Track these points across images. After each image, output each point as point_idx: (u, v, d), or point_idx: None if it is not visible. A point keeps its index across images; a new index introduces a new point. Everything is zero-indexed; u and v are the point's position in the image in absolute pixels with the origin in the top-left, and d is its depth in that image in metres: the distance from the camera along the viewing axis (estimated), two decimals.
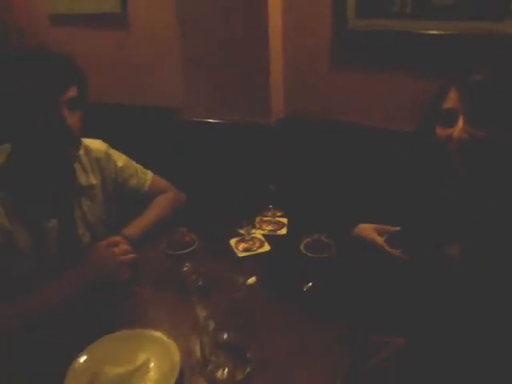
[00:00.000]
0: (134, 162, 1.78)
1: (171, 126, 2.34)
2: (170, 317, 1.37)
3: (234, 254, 1.65)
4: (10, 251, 1.38)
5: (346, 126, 2.12)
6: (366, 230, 1.55)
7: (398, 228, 1.50)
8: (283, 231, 1.79)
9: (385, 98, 2.03)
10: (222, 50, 2.14)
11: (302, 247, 1.49)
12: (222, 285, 1.24)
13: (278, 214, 1.87)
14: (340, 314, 1.34)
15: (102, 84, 2.24)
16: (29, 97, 1.31)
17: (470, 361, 1.21)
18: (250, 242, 1.69)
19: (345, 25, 1.99)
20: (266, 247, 1.68)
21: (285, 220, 1.85)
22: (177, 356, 1.16)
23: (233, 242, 1.70)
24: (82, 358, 1.16)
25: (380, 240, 1.49)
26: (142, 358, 1.16)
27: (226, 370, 1.12)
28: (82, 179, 1.57)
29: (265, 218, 1.84)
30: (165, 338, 1.22)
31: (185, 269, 1.49)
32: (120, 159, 1.72)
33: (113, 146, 1.74)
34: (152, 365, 1.16)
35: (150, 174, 1.81)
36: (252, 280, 1.46)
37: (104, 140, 1.73)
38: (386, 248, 1.47)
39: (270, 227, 1.80)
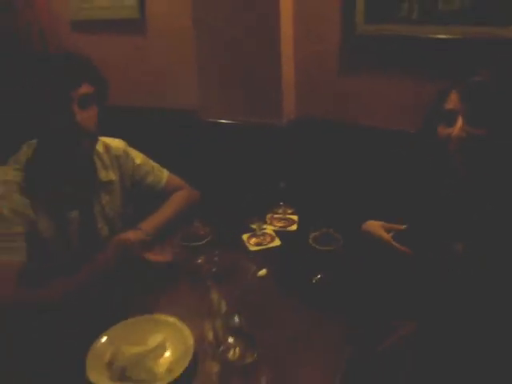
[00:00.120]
0: (151, 161, 1.85)
1: (187, 127, 2.39)
2: (184, 304, 1.42)
3: (246, 248, 1.71)
4: (35, 240, 1.46)
5: (354, 128, 2.16)
6: (374, 226, 1.59)
7: (404, 226, 1.54)
8: (293, 227, 1.84)
9: (392, 101, 2.06)
10: (235, 55, 2.19)
11: (310, 240, 1.53)
12: (235, 273, 1.29)
13: (289, 210, 1.92)
14: (347, 305, 1.38)
15: (121, 87, 2.31)
16: (42, 92, 1.41)
17: (476, 348, 1.24)
18: (262, 237, 1.75)
19: (353, 30, 2.03)
20: (277, 242, 1.74)
21: (295, 217, 1.90)
22: (190, 339, 1.22)
23: (245, 236, 1.76)
24: (103, 339, 1.24)
25: (387, 236, 1.53)
26: (157, 340, 1.22)
27: (237, 352, 1.19)
28: (102, 175, 1.65)
29: (276, 215, 1.89)
30: (178, 323, 1.28)
31: (199, 261, 1.55)
32: (138, 157, 1.79)
33: (131, 145, 1.81)
34: (167, 347, 1.22)
35: (165, 172, 1.87)
36: (263, 272, 1.53)
37: (123, 140, 1.80)
38: (393, 243, 1.51)
39: (280, 223, 1.86)
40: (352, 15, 2.01)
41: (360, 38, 2.03)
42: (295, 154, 2.24)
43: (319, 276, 1.49)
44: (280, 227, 1.84)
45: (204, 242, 1.58)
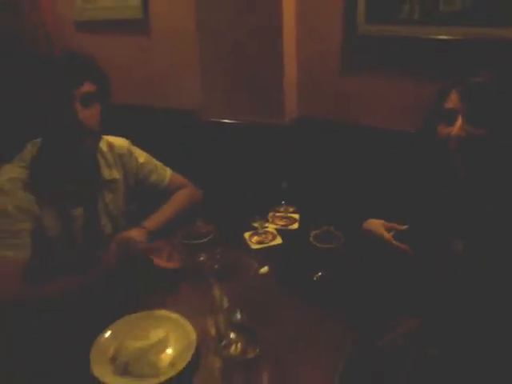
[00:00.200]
0: (154, 159, 1.86)
1: (190, 127, 2.41)
2: (186, 302, 1.44)
3: (248, 246, 1.73)
4: (39, 237, 1.48)
5: (355, 127, 2.17)
6: (375, 224, 1.61)
7: (405, 226, 1.55)
8: (295, 226, 1.86)
9: (393, 101, 2.07)
10: (238, 55, 2.21)
11: (311, 238, 1.54)
12: (237, 270, 1.31)
13: (291, 209, 1.94)
14: (348, 302, 1.40)
15: (125, 87, 2.35)
16: (45, 91, 1.44)
17: (477, 345, 1.25)
18: (263, 235, 1.77)
19: (355, 30, 2.04)
20: (279, 240, 1.76)
21: (297, 215, 1.92)
22: (193, 334, 1.24)
23: (247, 235, 1.78)
24: (107, 333, 1.26)
25: (387, 235, 1.55)
26: (159, 335, 1.24)
27: (239, 347, 1.20)
28: (106, 173, 1.67)
29: (277, 214, 1.91)
30: (181, 318, 1.30)
31: (201, 258, 1.57)
32: (141, 156, 1.81)
33: (135, 144, 1.83)
34: (170, 342, 1.24)
35: (169, 171, 1.89)
36: (264, 269, 1.54)
37: (127, 139, 1.82)
38: (393, 242, 1.52)
39: (282, 222, 1.88)
40: (353, 16, 2.02)
41: (361, 39, 2.04)
42: (297, 154, 2.25)
43: (320, 274, 1.51)
44: (282, 226, 1.86)
45: (206, 239, 1.60)
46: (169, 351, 1.22)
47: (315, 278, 1.50)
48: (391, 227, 1.58)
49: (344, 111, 2.21)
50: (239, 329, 1.22)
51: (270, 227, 1.83)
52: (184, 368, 1.15)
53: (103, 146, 1.69)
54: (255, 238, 1.76)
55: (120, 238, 1.55)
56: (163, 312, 1.34)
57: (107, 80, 1.57)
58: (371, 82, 2.11)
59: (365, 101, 2.15)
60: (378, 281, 1.45)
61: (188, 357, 1.18)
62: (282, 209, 1.93)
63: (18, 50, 2.74)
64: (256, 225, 1.77)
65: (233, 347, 1.20)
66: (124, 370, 1.16)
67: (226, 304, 1.17)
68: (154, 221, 1.71)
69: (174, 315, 1.32)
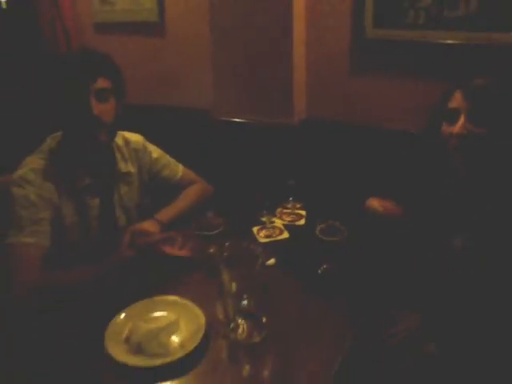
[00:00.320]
0: (167, 155, 1.92)
1: (202, 125, 2.48)
2: (196, 291, 1.48)
3: (256, 239, 1.77)
4: (58, 227, 1.55)
5: (362, 127, 2.22)
6: (373, 200, 1.67)
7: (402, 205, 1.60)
8: (302, 222, 1.91)
9: (398, 102, 2.12)
10: (249, 57, 2.27)
11: (317, 232, 1.57)
12: (245, 258, 1.35)
13: (298, 206, 1.98)
14: (352, 294, 1.44)
15: (140, 87, 2.43)
16: (63, 87, 1.51)
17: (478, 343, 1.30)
18: (271, 230, 1.81)
19: (363, 34, 2.10)
20: (286, 234, 1.80)
21: (303, 212, 1.96)
22: (202, 318, 1.30)
23: (255, 229, 1.83)
24: (122, 316, 1.33)
25: (380, 208, 1.62)
26: (170, 318, 1.30)
27: (246, 331, 1.27)
28: (122, 166, 1.73)
29: (285, 210, 1.96)
30: (190, 303, 1.37)
31: (211, 250, 1.61)
32: (155, 151, 1.87)
33: (149, 141, 1.89)
34: (180, 325, 1.30)
35: (181, 167, 1.94)
36: (271, 261, 1.59)
37: (142, 136, 1.88)
38: (379, 209, 1.60)
39: (289, 218, 1.92)
40: (361, 20, 2.08)
41: (369, 42, 2.10)
42: (304, 153, 2.29)
43: (325, 267, 1.55)
44: (289, 221, 1.90)
45: (217, 231, 1.64)
46: (179, 333, 1.28)
47: (320, 271, 1.54)
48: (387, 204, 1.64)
49: (351, 112, 2.26)
50: (246, 315, 1.27)
51: (278, 222, 1.87)
52: (193, 349, 1.21)
53: (119, 140, 1.75)
54: (263, 233, 1.81)
55: (133, 230, 1.58)
56: (175, 298, 1.40)
57: (121, 76, 1.62)
58: (378, 84, 2.16)
59: (371, 102, 2.20)
60: (380, 274, 1.49)
61: (197, 339, 1.24)
62: (289, 205, 1.97)
63: (38, 49, 2.84)
64: (264, 219, 1.82)
65: (240, 331, 1.26)
66: (137, 350, 1.22)
67: (234, 288, 1.23)
68: (167, 213, 1.76)
69: (185, 301, 1.38)
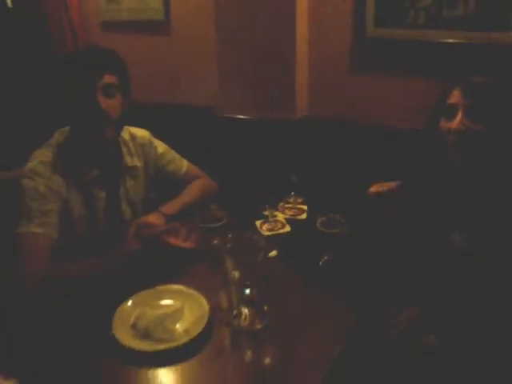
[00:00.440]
0: (172, 151, 1.95)
1: (206, 122, 2.51)
2: (200, 280, 1.52)
3: (259, 233, 1.80)
4: (67, 218, 1.59)
5: (362, 124, 2.25)
6: (372, 185, 1.70)
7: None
8: (303, 216, 1.94)
9: (399, 100, 2.16)
10: (253, 55, 2.31)
11: (318, 224, 1.60)
12: (248, 248, 1.39)
13: (299, 200, 2.02)
14: (352, 286, 1.47)
15: (145, 85, 2.47)
16: (71, 83, 1.55)
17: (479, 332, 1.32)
18: (273, 224, 1.85)
19: (364, 33, 2.13)
20: (288, 228, 1.84)
21: (305, 207, 2.00)
22: (206, 306, 1.35)
23: (258, 222, 1.87)
24: (129, 302, 1.38)
25: (380, 187, 1.65)
26: (176, 305, 1.35)
27: (248, 318, 1.31)
28: (128, 160, 1.77)
29: (287, 204, 1.99)
30: (195, 292, 1.41)
31: (215, 242, 1.65)
32: (160, 146, 1.91)
33: (155, 137, 1.92)
34: (185, 312, 1.34)
35: (185, 162, 1.97)
36: (273, 253, 1.63)
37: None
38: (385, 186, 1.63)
39: (291, 212, 1.96)
40: (363, 19, 2.12)
41: (370, 41, 2.14)
42: (306, 149, 2.33)
43: (325, 258, 1.58)
44: (290, 215, 1.94)
45: (220, 224, 1.67)
46: (184, 320, 1.32)
47: (321, 263, 1.57)
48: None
49: (351, 109, 2.29)
50: (249, 303, 1.32)
51: (280, 216, 1.91)
52: (197, 335, 1.25)
53: (126, 135, 1.79)
54: (266, 226, 1.84)
55: (138, 223, 1.61)
56: (180, 287, 1.45)
57: (128, 72, 1.66)
58: (378, 82, 2.20)
59: (372, 99, 2.23)
60: (379, 267, 1.51)
61: (201, 326, 1.28)
62: (291, 200, 2.00)
63: (46, 48, 2.88)
64: (266, 213, 1.86)
65: (242, 318, 1.31)
66: (144, 335, 1.27)
67: (237, 276, 1.27)
68: (171, 206, 1.78)
69: (190, 290, 1.43)
